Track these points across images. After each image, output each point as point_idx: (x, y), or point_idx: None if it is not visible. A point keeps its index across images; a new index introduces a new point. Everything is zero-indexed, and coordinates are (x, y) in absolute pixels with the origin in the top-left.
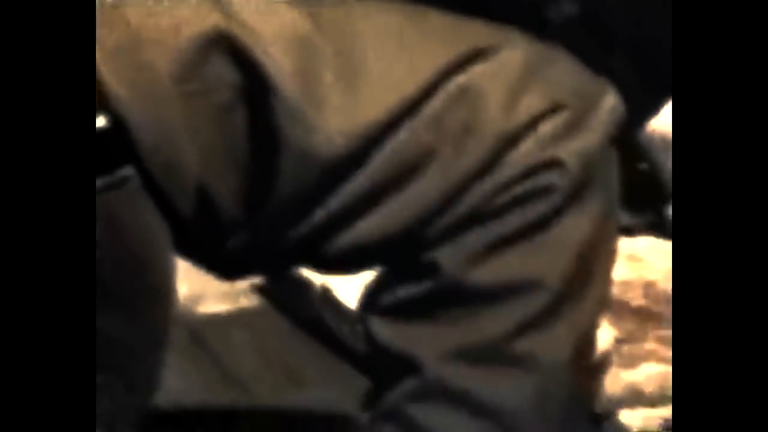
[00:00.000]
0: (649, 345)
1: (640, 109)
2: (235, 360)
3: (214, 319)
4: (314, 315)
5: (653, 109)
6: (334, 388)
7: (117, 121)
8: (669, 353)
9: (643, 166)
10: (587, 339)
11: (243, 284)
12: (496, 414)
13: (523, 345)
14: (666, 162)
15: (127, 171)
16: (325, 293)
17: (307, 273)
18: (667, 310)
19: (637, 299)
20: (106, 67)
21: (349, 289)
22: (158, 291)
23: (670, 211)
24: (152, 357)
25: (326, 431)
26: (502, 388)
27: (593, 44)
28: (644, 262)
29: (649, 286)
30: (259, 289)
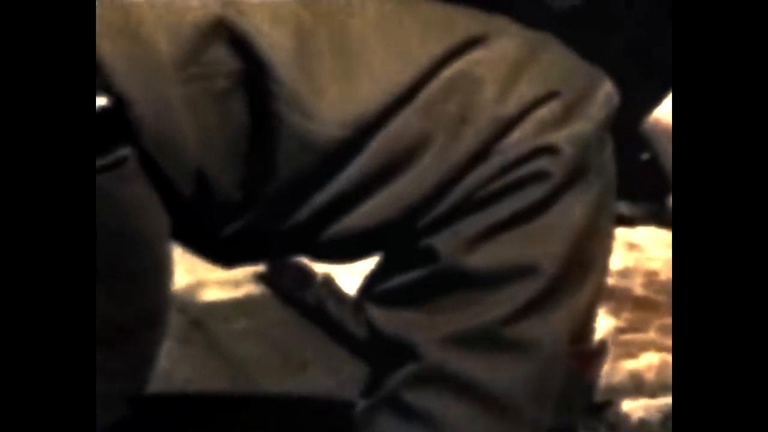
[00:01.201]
0: (650, 334)
1: (642, 99)
2: (236, 347)
3: (216, 307)
4: (316, 303)
5: (655, 98)
6: (334, 375)
7: (118, 100)
8: (669, 342)
9: (645, 155)
10: (585, 324)
11: (245, 272)
12: (494, 398)
13: (521, 329)
14: (666, 152)
15: (126, 151)
16: (327, 281)
17: (309, 262)
18: (668, 300)
19: (637, 289)
20: (107, 47)
21: (350, 277)
22: (156, 271)
23: (671, 201)
24: (151, 337)
25: (327, 418)
26: (499, 372)
27: (596, 33)
28: (645, 251)
29: (649, 276)
30: (261, 277)
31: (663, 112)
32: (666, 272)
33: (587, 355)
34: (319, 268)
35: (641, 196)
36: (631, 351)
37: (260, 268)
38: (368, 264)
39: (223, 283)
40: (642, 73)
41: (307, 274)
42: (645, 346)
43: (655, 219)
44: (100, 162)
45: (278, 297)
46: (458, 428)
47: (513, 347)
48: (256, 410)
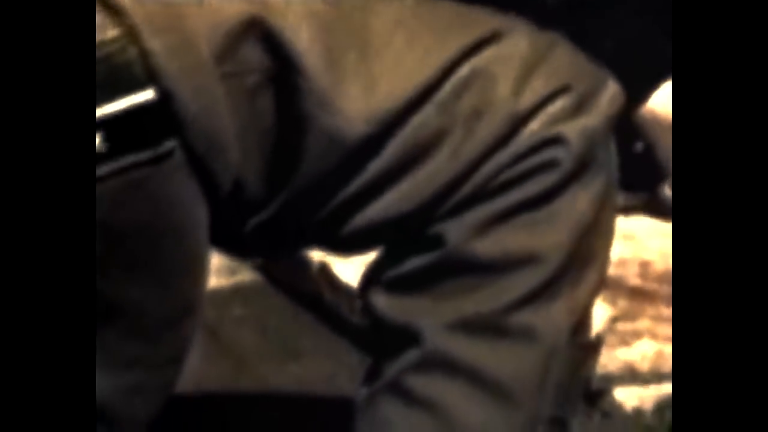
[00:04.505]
0: (644, 323)
1: (634, 90)
2: (234, 334)
3: (212, 294)
4: (312, 291)
5: (648, 89)
6: (331, 362)
7: (164, 93)
8: (663, 331)
9: (638, 146)
10: (585, 314)
11: (241, 260)
12: (495, 385)
13: (524, 317)
14: (660, 142)
15: (172, 144)
16: (323, 269)
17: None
18: (662, 289)
19: (632, 278)
20: (154, 41)
21: (346, 265)
22: (196, 262)
23: (664, 191)
24: (190, 327)
25: (327, 409)
26: (502, 359)
27: (588, 25)
28: (639, 241)
29: (644, 266)
30: (258, 266)
31: (656, 103)
32: (660, 262)
33: (585, 345)
34: (316, 256)
35: (635, 186)
36: (625, 340)
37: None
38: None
39: (219, 271)
40: (634, 64)
41: (303, 262)
42: (639, 335)
43: (649, 209)
44: (147, 155)
45: (274, 285)
46: (459, 413)
47: (516, 335)
48: (256, 401)
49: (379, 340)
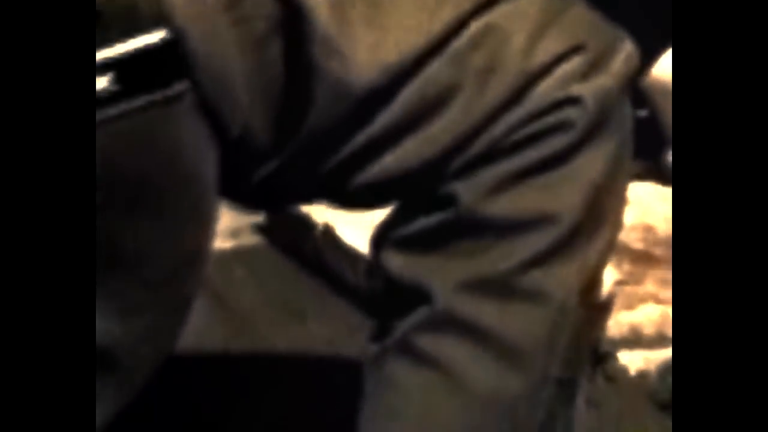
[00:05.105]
0: (649, 287)
1: (640, 55)
2: (236, 296)
3: (216, 256)
4: (315, 253)
5: (652, 55)
6: (333, 325)
7: (176, 33)
8: (668, 295)
9: (643, 112)
10: (595, 277)
11: (243, 222)
12: (504, 345)
13: (534, 278)
14: (665, 108)
15: (183, 86)
16: (327, 231)
17: (309, 211)
18: (666, 253)
19: (637, 242)
20: None
21: (349, 228)
22: (205, 208)
23: (668, 157)
24: (197, 275)
25: (328, 370)
26: (511, 319)
27: None
28: (644, 206)
29: (648, 230)
30: (260, 228)
31: (661, 69)
32: (663, 227)
33: (594, 307)
34: (319, 218)
35: (639, 152)
36: (630, 304)
37: (259, 218)
38: (370, 215)
39: (223, 233)
40: (639, 30)
41: (307, 225)
42: (643, 299)
43: (653, 174)
44: (157, 96)
45: (277, 248)
46: (468, 373)
47: (526, 296)
48: (258, 362)
49: (388, 298)
